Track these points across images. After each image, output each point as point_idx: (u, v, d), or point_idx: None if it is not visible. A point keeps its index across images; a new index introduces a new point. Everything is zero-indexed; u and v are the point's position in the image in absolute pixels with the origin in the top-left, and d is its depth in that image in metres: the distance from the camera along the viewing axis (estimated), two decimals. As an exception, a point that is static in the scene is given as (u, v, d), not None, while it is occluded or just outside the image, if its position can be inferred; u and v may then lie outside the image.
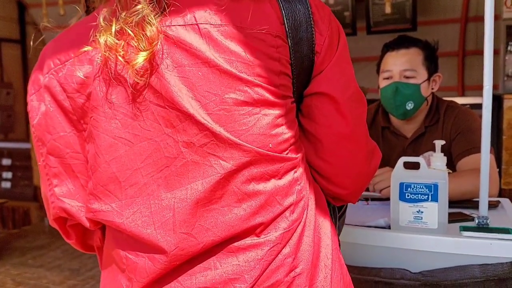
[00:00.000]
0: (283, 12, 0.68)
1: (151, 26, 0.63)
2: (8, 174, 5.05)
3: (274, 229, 0.68)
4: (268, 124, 0.66)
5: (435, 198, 1.17)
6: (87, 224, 0.73)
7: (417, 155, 1.73)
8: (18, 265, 3.70)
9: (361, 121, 0.77)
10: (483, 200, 1.24)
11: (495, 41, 1.25)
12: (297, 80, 0.70)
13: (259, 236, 0.68)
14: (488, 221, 1.22)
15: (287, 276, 0.68)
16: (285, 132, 0.69)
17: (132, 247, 0.69)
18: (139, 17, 0.63)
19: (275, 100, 0.67)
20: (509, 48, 3.50)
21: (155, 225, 0.66)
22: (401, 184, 1.20)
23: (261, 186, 0.67)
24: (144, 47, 0.63)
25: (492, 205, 1.41)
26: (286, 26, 0.67)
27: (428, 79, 1.71)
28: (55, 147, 0.71)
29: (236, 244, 0.67)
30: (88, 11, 0.75)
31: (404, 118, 1.75)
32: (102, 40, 0.64)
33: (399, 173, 1.22)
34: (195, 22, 0.64)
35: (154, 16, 0.64)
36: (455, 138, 1.69)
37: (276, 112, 0.67)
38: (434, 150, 1.25)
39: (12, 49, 5.68)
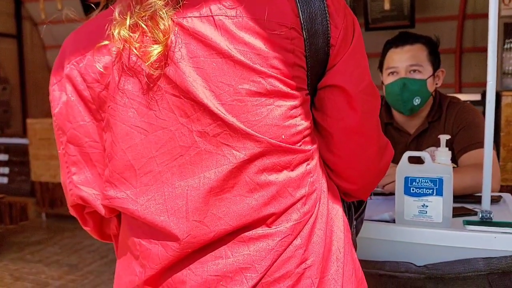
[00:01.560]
0: (298, 4, 0.68)
1: (163, 19, 0.63)
2: (5, 170, 5.03)
3: (285, 220, 0.68)
4: (281, 115, 0.66)
5: (440, 192, 1.18)
6: (103, 211, 0.74)
7: (420, 151, 1.73)
8: (16, 260, 3.68)
9: (372, 115, 0.76)
10: (486, 194, 1.25)
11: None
12: (312, 72, 0.70)
13: (271, 227, 0.68)
14: (491, 215, 1.23)
15: (297, 268, 0.68)
16: (299, 124, 0.69)
17: (146, 234, 0.70)
18: (151, 10, 0.64)
19: (289, 91, 0.67)
20: (506, 45, 3.52)
21: (168, 212, 0.67)
22: (406, 178, 1.21)
23: (273, 177, 0.67)
24: (158, 39, 0.63)
25: (494, 200, 1.41)
26: (301, 18, 0.67)
27: (433, 74, 1.71)
28: (75, 135, 0.72)
29: (247, 233, 0.67)
30: (107, 5, 0.75)
31: (411, 113, 1.74)
32: (116, 33, 0.65)
33: (404, 168, 1.22)
34: (210, 14, 0.65)
35: (167, 9, 0.64)
36: (457, 133, 1.69)
37: (289, 103, 0.67)
38: (436, 145, 1.26)
39: (8, 44, 5.66)
